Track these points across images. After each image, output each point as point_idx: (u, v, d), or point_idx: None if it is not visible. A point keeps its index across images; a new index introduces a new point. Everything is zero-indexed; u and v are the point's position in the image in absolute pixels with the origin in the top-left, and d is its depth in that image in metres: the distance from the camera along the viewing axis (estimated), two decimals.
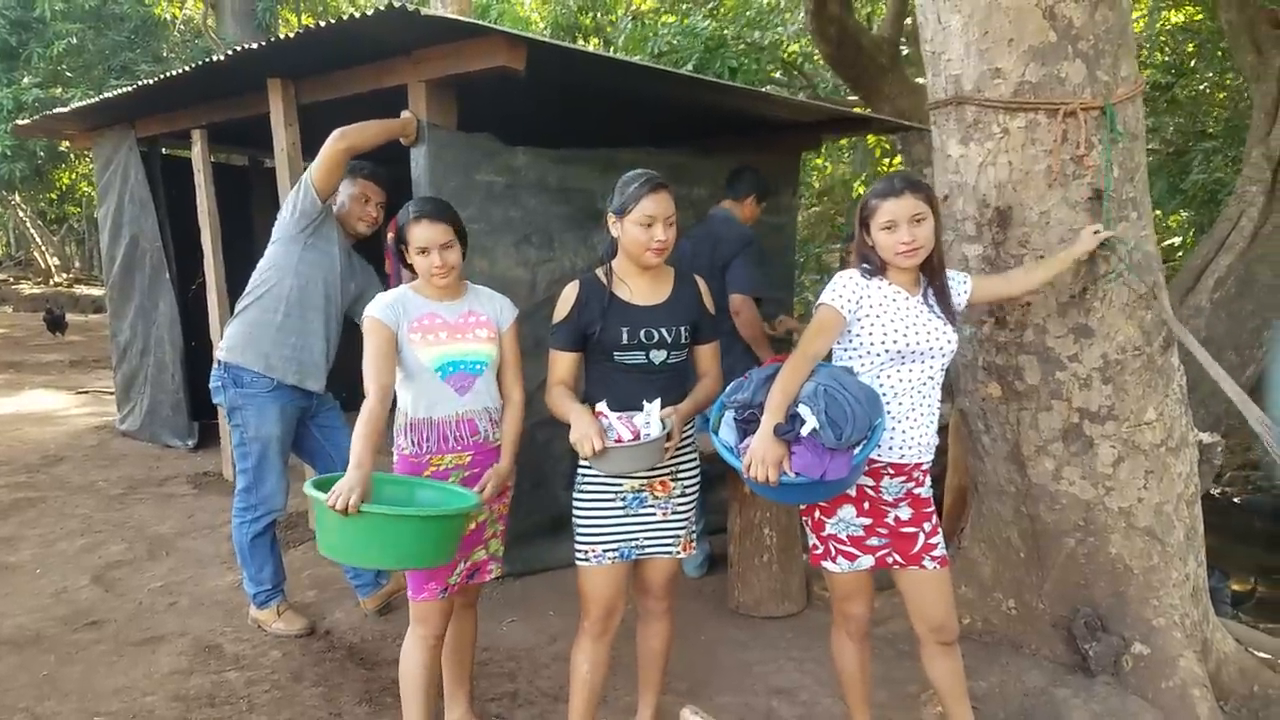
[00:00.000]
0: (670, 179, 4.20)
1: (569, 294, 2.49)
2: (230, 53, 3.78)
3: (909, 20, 6.36)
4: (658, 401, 2.38)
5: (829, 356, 2.45)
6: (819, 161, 10.63)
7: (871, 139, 9.32)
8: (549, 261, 3.94)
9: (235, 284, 5.34)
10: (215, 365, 3.42)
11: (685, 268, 2.64)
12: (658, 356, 2.45)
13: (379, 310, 2.51)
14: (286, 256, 3.35)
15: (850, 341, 2.40)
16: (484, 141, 3.65)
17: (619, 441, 2.31)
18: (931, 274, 2.41)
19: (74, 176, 21.84)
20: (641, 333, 2.43)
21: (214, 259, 5.20)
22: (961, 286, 2.50)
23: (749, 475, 2.20)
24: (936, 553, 2.44)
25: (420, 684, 2.54)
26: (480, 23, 3.06)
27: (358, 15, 3.11)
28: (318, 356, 3.42)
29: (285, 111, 4.12)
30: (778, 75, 7.58)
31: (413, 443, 2.55)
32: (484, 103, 3.81)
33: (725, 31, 6.32)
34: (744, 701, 3.05)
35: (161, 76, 4.51)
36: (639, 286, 2.48)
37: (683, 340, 2.49)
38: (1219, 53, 7.33)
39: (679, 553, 2.58)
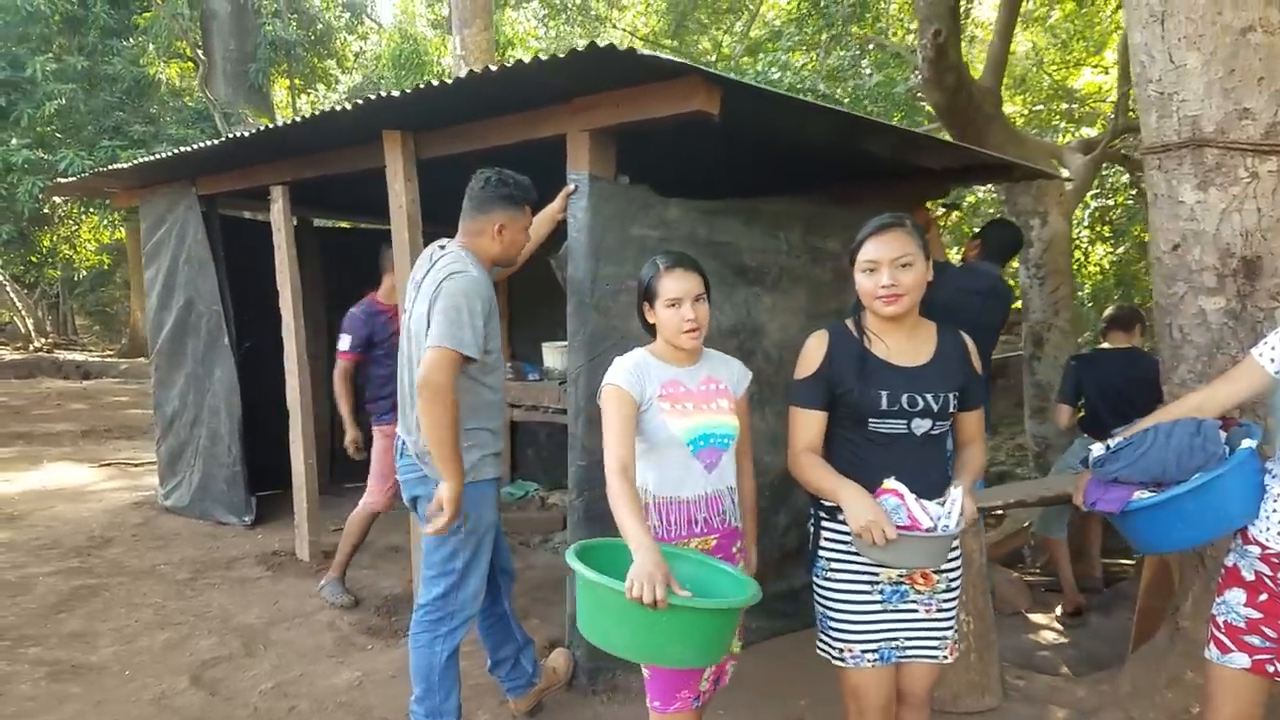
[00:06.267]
0: (808, 229, 4.03)
1: (816, 345, 2.21)
2: (356, 102, 3.51)
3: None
4: (961, 488, 2.10)
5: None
6: None
7: None
8: None
9: (275, 345, 5.01)
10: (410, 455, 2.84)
11: (972, 326, 2.37)
12: (920, 427, 2.16)
13: (621, 377, 2.23)
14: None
15: None
16: (641, 194, 3.39)
17: (912, 528, 2.01)
18: None
19: (54, 240, 21.35)
20: (904, 398, 2.14)
21: (295, 323, 4.87)
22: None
23: None
24: None
25: None
26: (683, 61, 2.81)
27: (525, 60, 2.85)
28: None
29: (405, 166, 3.83)
30: None
31: (659, 522, 2.25)
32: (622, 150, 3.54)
33: (800, 86, 6.21)
34: None
35: (253, 130, 4.21)
36: (897, 343, 2.19)
37: (950, 409, 2.20)
38: None
39: (945, 657, 2.27)
